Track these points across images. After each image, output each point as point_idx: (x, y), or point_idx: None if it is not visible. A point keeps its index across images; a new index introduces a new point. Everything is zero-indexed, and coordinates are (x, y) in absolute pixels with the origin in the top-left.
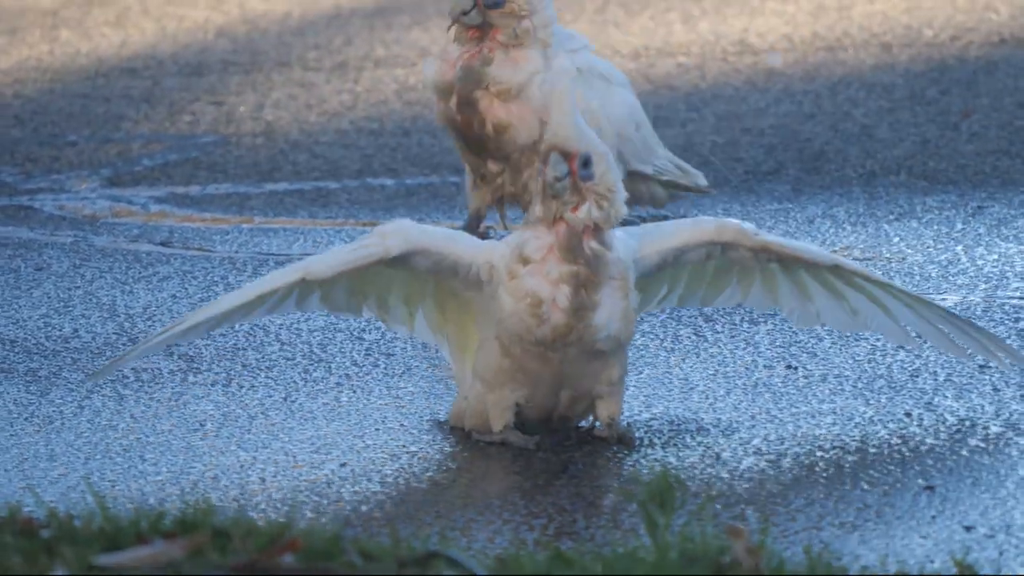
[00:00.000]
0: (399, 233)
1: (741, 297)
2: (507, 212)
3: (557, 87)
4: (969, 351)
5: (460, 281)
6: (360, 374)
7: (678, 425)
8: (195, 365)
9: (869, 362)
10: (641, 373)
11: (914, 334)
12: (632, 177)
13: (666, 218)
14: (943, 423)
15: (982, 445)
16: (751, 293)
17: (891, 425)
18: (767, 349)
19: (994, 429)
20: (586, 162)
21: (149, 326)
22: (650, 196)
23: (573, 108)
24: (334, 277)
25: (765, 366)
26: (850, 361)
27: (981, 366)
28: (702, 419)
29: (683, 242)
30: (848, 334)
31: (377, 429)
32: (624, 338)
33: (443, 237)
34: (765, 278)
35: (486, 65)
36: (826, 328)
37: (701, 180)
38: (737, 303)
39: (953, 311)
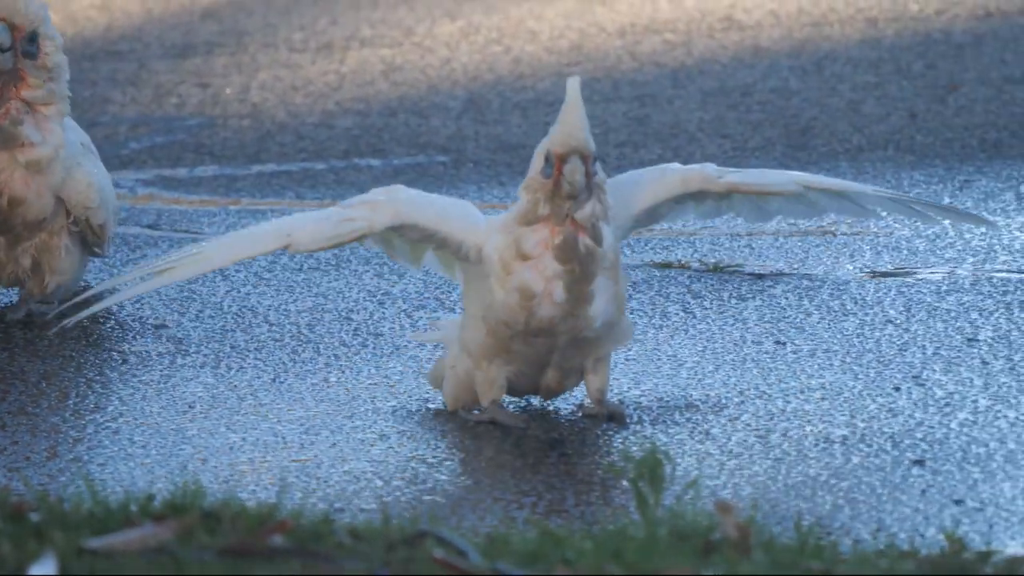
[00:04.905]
0: (389, 206)
1: (694, 215)
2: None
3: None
4: (938, 219)
5: (451, 252)
6: (348, 354)
7: (667, 402)
8: (183, 347)
9: (857, 337)
10: (630, 350)
11: (883, 213)
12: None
13: None
14: (932, 397)
15: (971, 419)
16: (704, 212)
17: (880, 399)
18: (755, 325)
19: (983, 403)
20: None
21: (137, 308)
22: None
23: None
24: (318, 248)
25: (754, 342)
26: (838, 336)
27: (969, 339)
28: (691, 395)
29: (653, 201)
30: (835, 309)
31: (366, 409)
32: (616, 319)
33: (435, 213)
34: (725, 204)
35: (16, 125)
36: (811, 301)
37: None
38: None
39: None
